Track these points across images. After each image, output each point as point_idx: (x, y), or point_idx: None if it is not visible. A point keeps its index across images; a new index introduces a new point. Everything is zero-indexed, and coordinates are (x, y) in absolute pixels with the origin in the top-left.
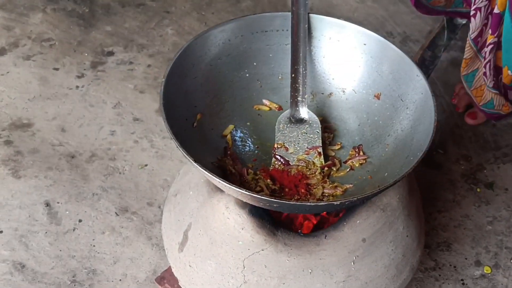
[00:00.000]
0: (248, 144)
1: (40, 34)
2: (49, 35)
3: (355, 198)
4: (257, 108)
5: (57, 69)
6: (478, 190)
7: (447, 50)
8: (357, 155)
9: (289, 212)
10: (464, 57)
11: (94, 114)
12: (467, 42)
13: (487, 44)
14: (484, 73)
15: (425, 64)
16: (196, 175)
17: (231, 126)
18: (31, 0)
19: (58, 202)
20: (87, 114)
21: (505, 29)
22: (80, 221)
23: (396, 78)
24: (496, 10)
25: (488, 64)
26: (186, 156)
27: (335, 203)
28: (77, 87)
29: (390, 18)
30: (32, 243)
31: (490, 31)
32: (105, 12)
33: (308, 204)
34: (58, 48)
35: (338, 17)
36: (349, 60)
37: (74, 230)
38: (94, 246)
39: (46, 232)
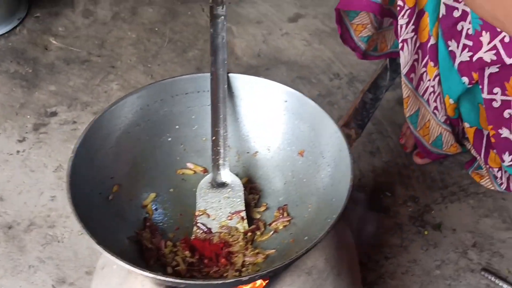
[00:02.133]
0: (170, 213)
1: None
2: None
3: (265, 272)
4: (180, 173)
5: None
6: (426, 232)
7: (393, 88)
8: (281, 216)
9: None
10: (403, 96)
11: (35, 179)
12: (402, 80)
13: (432, 77)
14: (435, 108)
15: (365, 108)
16: None
17: (152, 195)
18: None
19: None
20: (27, 180)
21: (441, 58)
22: None
23: (317, 134)
24: (432, 41)
25: (438, 97)
26: (91, 238)
27: (243, 279)
28: (18, 152)
29: (336, 59)
30: None
31: (432, 64)
32: (49, 71)
33: (214, 283)
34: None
35: (286, 62)
36: (272, 117)
37: None
38: None
39: None
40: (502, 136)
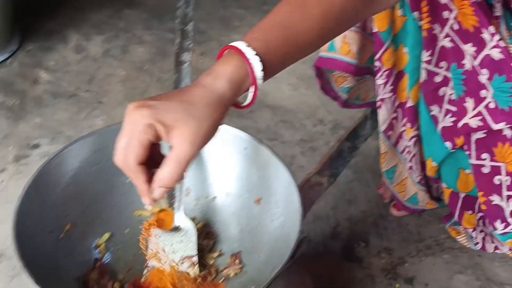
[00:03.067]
0: (123, 253)
1: None
2: None
3: None
4: (138, 214)
5: None
6: (397, 286)
7: (376, 137)
8: (233, 264)
9: None
10: (380, 151)
11: (10, 211)
12: (380, 136)
13: (408, 138)
14: (411, 167)
15: (342, 156)
16: None
17: (107, 235)
18: None
19: None
20: (2, 211)
21: (423, 122)
22: None
23: (273, 182)
24: (409, 104)
25: (414, 157)
26: (29, 276)
27: None
28: None
29: (322, 105)
30: None
31: (409, 125)
32: (36, 104)
33: None
34: None
35: (271, 105)
36: (232, 164)
37: None
38: None
39: None
40: (493, 203)
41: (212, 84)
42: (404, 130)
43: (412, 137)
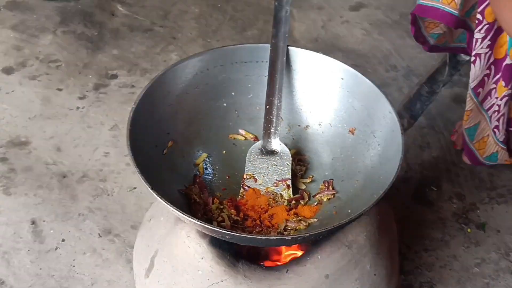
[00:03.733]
0: (218, 173)
1: (48, 55)
2: (56, 57)
3: (307, 234)
4: (232, 138)
5: (60, 89)
6: (469, 230)
7: (450, 86)
8: (326, 189)
9: (243, 244)
10: (466, 108)
11: (91, 135)
12: (468, 92)
13: (500, 96)
14: (496, 127)
15: (421, 100)
16: None
17: (204, 155)
18: (43, 22)
19: (44, 221)
20: (84, 135)
21: None
22: (63, 240)
23: (370, 114)
24: (508, 61)
25: (502, 117)
26: (144, 182)
27: (286, 238)
28: (78, 108)
29: (395, 51)
30: (14, 260)
31: (503, 83)
32: (113, 36)
33: (259, 237)
34: (64, 70)
35: (343, 49)
36: (326, 93)
37: (56, 249)
38: (74, 266)
39: (28, 250)
40: None
41: None
42: (494, 88)
43: (504, 96)
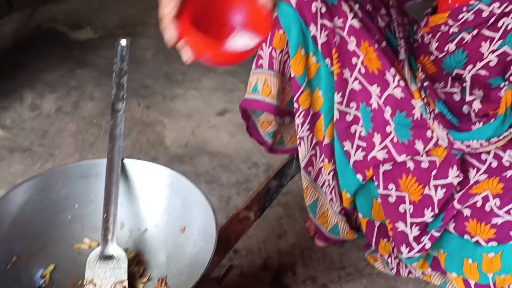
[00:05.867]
0: (64, 282)
1: None
2: None
3: None
4: (77, 247)
5: None
6: None
7: None
8: (159, 286)
9: None
10: (303, 187)
11: None
12: (301, 172)
13: (327, 172)
14: (331, 199)
15: (269, 193)
16: None
17: (51, 266)
18: None
19: None
20: None
21: (337, 157)
22: None
23: (193, 211)
24: (326, 141)
25: (333, 190)
26: None
27: None
28: None
29: (256, 150)
30: None
31: (326, 161)
32: None
33: None
34: None
35: (211, 151)
36: (159, 198)
37: None
38: None
39: None
40: (398, 229)
41: None
42: (322, 166)
43: (330, 171)
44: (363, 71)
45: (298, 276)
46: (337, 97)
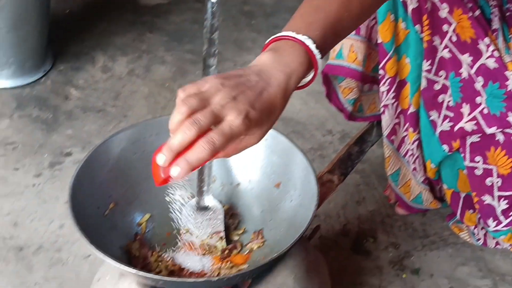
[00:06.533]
0: (159, 230)
1: (5, 138)
2: (13, 139)
3: (232, 275)
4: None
5: (17, 169)
6: (404, 275)
7: (381, 146)
8: (256, 239)
9: None
10: (385, 156)
11: (46, 209)
12: (383, 141)
13: (411, 141)
14: (414, 169)
15: (350, 159)
16: None
17: (147, 215)
18: (0, 109)
19: None
20: (40, 209)
21: (422, 125)
22: None
23: (291, 169)
24: (411, 110)
25: (417, 159)
26: (83, 238)
27: (212, 279)
28: (34, 185)
29: (330, 117)
30: None
31: (411, 130)
32: (67, 117)
33: (187, 280)
34: (20, 151)
35: (283, 118)
36: (253, 153)
37: None
38: None
39: None
40: (485, 202)
41: (287, 83)
42: (406, 135)
43: (415, 141)
44: (454, 39)
45: (380, 242)
46: (425, 65)
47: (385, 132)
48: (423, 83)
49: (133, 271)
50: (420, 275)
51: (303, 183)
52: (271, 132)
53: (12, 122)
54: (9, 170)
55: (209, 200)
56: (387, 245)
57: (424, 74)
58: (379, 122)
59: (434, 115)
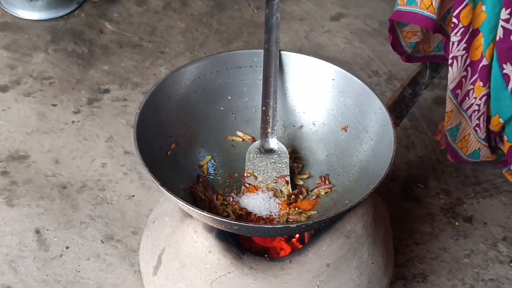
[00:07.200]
0: (220, 173)
1: (41, 72)
2: (49, 74)
3: (311, 222)
4: (230, 139)
5: (55, 105)
6: (457, 223)
7: (432, 88)
8: (323, 184)
9: (250, 234)
10: (446, 110)
11: (87, 147)
12: (447, 94)
13: (479, 96)
14: (477, 125)
15: (404, 101)
16: (171, 202)
17: (208, 157)
18: (34, 41)
19: (47, 230)
20: (81, 147)
21: (494, 79)
22: (67, 247)
23: (361, 111)
24: (484, 62)
25: (482, 116)
26: (154, 180)
27: (291, 226)
28: (73, 122)
29: (376, 57)
30: (21, 268)
31: (481, 84)
32: (103, 52)
33: (266, 226)
34: (57, 86)
35: (326, 57)
36: (318, 94)
37: (61, 256)
38: (79, 272)
39: (34, 258)
40: None
41: None
42: (471, 89)
43: (483, 96)
44: None
45: (430, 189)
46: (504, 14)
47: (451, 85)
48: (500, 33)
49: (210, 216)
50: (473, 223)
51: (376, 127)
52: (340, 71)
53: (48, 56)
54: (47, 105)
55: (274, 143)
56: (438, 191)
57: (501, 23)
58: (431, 64)
59: (508, 68)
